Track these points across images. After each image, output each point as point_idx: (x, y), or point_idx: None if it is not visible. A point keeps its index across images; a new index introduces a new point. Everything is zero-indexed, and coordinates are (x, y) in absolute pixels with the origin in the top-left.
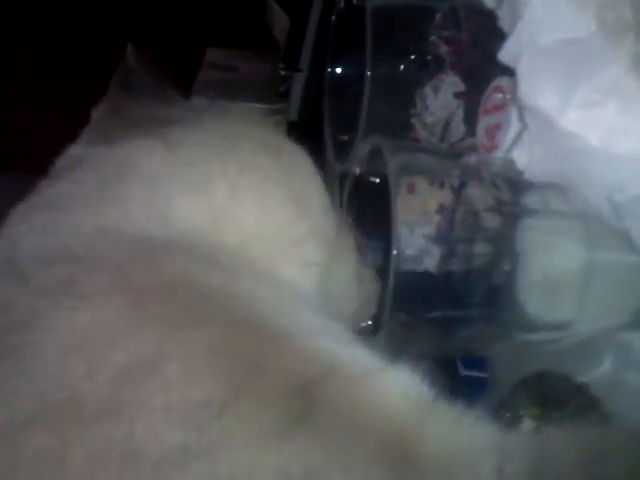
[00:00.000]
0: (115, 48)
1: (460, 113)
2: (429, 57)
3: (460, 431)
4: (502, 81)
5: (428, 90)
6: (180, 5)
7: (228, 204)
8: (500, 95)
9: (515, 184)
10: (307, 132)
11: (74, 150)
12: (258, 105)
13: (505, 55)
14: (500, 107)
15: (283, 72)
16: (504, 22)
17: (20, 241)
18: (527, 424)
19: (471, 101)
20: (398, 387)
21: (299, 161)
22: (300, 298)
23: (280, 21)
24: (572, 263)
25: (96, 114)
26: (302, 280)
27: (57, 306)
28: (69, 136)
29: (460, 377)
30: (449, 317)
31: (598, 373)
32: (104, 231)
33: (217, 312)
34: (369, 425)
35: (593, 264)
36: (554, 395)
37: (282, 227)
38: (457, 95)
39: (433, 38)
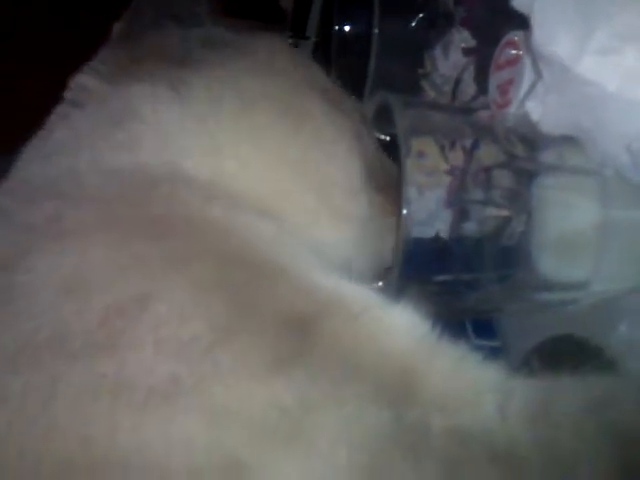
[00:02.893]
0: None
1: (470, 71)
2: (438, 13)
3: (464, 370)
4: (515, 35)
5: (438, 51)
6: None
7: (237, 170)
8: (513, 50)
9: (529, 140)
10: None
11: (84, 80)
12: None
13: (518, 2)
14: (513, 62)
15: (291, 40)
16: None
17: (10, 185)
18: None
19: (482, 58)
20: (401, 323)
21: (326, 132)
22: (307, 242)
23: None
24: (588, 221)
25: (117, 29)
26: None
27: (42, 247)
28: None
29: (472, 346)
30: (461, 280)
31: (614, 336)
32: (97, 170)
33: (210, 247)
34: (368, 361)
35: (610, 222)
36: (569, 359)
37: (296, 195)
38: (467, 51)
39: None
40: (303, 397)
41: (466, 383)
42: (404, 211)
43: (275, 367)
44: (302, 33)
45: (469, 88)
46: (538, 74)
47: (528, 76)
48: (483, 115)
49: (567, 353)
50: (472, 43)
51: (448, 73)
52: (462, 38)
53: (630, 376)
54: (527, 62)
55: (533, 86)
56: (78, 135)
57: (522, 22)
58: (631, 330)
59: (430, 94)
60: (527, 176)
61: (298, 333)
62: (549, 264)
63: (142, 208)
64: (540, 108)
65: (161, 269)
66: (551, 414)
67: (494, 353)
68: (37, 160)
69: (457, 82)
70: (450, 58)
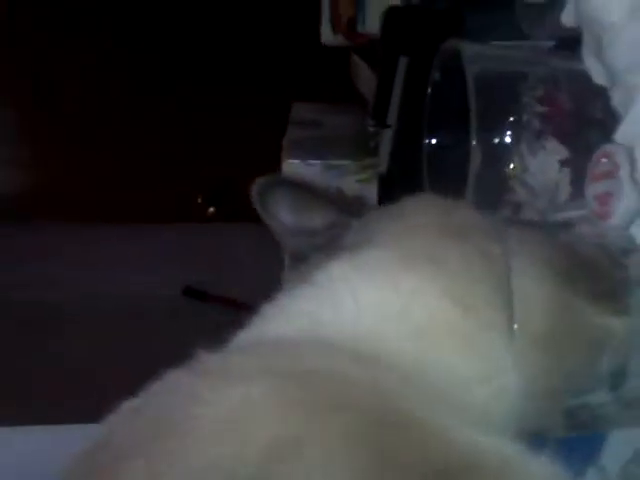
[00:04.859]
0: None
1: (566, 177)
2: (526, 118)
3: None
4: (608, 147)
5: (523, 149)
6: (264, 61)
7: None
8: (608, 161)
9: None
10: (398, 186)
11: None
12: (348, 161)
13: (621, 137)
14: (609, 174)
15: (372, 128)
16: (617, 103)
17: None
18: None
19: (577, 166)
20: (543, 476)
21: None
22: (446, 400)
23: (364, 74)
24: None
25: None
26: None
27: (212, 386)
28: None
29: None
30: None
31: None
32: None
33: (353, 400)
34: None
35: None
36: None
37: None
38: (562, 163)
39: (528, 100)
40: None
41: None
42: None
43: None
44: (383, 121)
45: (565, 191)
46: None
47: (631, 196)
48: (582, 228)
49: None
50: (565, 154)
51: (538, 173)
52: (554, 149)
53: None
54: (625, 175)
55: (637, 213)
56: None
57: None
58: None
59: (521, 194)
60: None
61: None
62: None
63: (294, 361)
64: None
65: (312, 414)
66: None
67: None
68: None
69: (554, 190)
70: (540, 159)
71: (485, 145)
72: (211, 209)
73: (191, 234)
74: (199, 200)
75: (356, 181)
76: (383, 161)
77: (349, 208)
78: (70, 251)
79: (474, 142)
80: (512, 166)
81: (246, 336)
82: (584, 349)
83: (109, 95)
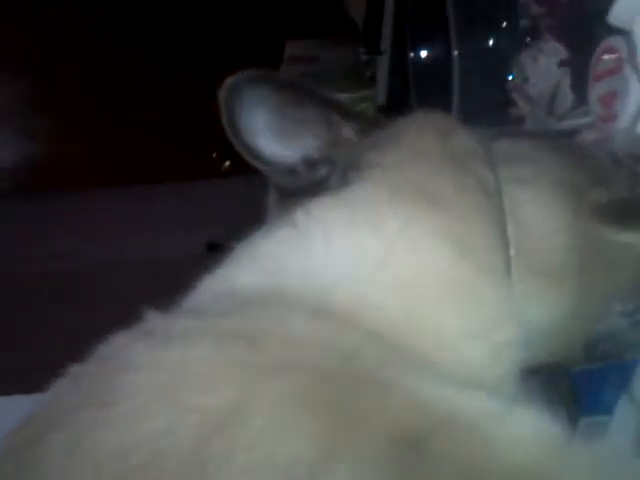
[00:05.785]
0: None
1: (566, 81)
2: (522, 22)
3: (604, 477)
4: (613, 40)
5: (525, 59)
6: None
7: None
8: (613, 56)
9: None
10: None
11: None
12: (344, 95)
13: (615, 16)
14: (614, 70)
15: (365, 56)
16: None
17: None
18: None
19: (578, 67)
20: (524, 432)
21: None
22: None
23: (355, 1)
24: None
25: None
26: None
27: (149, 350)
28: None
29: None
30: None
31: None
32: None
33: (307, 361)
34: (490, 477)
35: None
36: None
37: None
38: (561, 63)
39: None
40: None
41: None
42: None
43: None
44: (376, 48)
45: (566, 99)
46: None
47: (635, 89)
48: (587, 137)
49: None
50: (565, 54)
51: (540, 83)
52: (553, 50)
53: None
54: (631, 71)
55: None
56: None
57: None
58: None
59: (524, 108)
60: None
61: (408, 452)
62: None
63: (240, 320)
64: None
65: (257, 379)
66: None
67: (605, 429)
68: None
69: (553, 97)
70: (540, 66)
71: (468, 55)
72: (227, 163)
73: (209, 190)
74: (214, 155)
75: None
76: (380, 91)
77: (348, 118)
78: (85, 219)
79: (455, 52)
80: (511, 78)
81: (208, 284)
82: (601, 275)
83: (120, 55)
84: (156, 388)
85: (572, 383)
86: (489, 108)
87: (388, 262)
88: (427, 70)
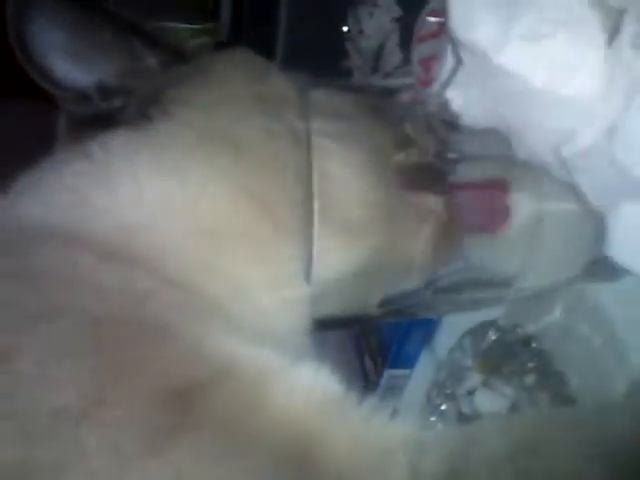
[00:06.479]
0: None
1: (395, 38)
2: None
3: (371, 430)
4: (437, 3)
5: (362, 12)
6: None
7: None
8: (436, 20)
9: (453, 127)
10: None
11: None
12: (182, 26)
13: None
14: (436, 34)
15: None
16: None
17: None
18: (475, 378)
19: (407, 26)
20: (301, 386)
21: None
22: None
23: None
24: (517, 215)
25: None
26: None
27: None
28: None
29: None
30: None
31: (548, 322)
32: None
33: (85, 305)
34: (261, 432)
35: (540, 216)
36: (500, 347)
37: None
38: (393, 21)
39: None
40: None
41: (373, 445)
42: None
43: (150, 446)
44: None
45: (394, 57)
46: (459, 59)
47: (450, 55)
48: (405, 97)
49: (498, 340)
50: (397, 12)
51: (373, 37)
52: (387, 6)
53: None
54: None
55: (454, 72)
56: None
57: None
58: (565, 316)
59: (355, 60)
60: (451, 165)
61: (183, 404)
62: (478, 260)
63: (24, 260)
64: (461, 99)
65: (30, 322)
66: (470, 466)
67: (406, 382)
68: None
69: (380, 49)
70: (375, 21)
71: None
72: None
73: None
74: None
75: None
76: (223, 26)
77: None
78: None
79: None
80: (346, 29)
81: None
82: (402, 235)
83: None
84: None
85: (380, 337)
86: (318, 56)
87: (190, 212)
88: (259, 9)
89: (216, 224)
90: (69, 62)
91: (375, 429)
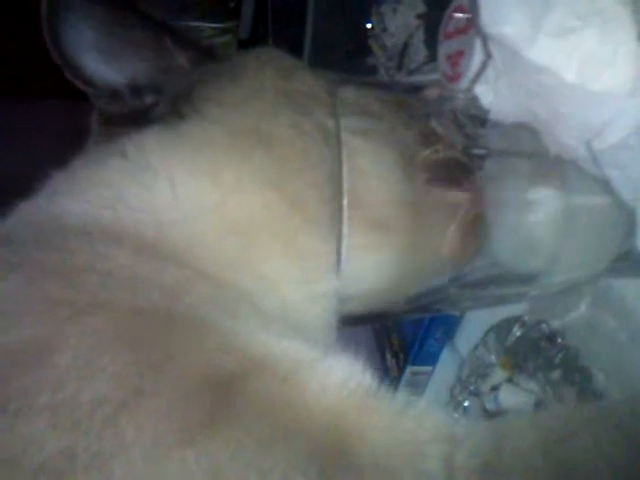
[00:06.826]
0: None
1: (420, 35)
2: None
3: (403, 421)
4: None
5: (386, 8)
6: None
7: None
8: (463, 16)
9: (481, 122)
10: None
11: None
12: (205, 25)
13: None
14: (463, 30)
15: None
16: None
17: None
18: (499, 374)
19: (432, 22)
20: (334, 379)
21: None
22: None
23: None
24: (547, 209)
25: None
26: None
27: None
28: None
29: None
30: None
31: (574, 317)
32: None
33: (124, 298)
34: (297, 424)
35: (570, 211)
36: (526, 343)
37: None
38: (418, 17)
39: None
40: (217, 472)
41: (406, 436)
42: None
43: (188, 436)
44: None
45: (419, 53)
46: (488, 54)
47: (479, 50)
48: (431, 92)
49: (523, 336)
50: (422, 8)
51: (397, 34)
52: (412, 3)
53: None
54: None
55: (484, 67)
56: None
57: None
58: (592, 311)
59: (380, 57)
60: (479, 161)
61: (219, 395)
62: (505, 255)
63: (64, 256)
64: (491, 94)
65: (70, 315)
66: (502, 459)
67: (428, 379)
68: None
69: (405, 47)
70: (398, 18)
71: None
72: None
73: None
74: None
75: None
76: (244, 25)
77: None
78: None
79: None
80: (370, 26)
81: (24, 211)
82: (429, 232)
83: None
84: None
85: (402, 334)
86: (343, 53)
87: (223, 209)
88: (286, 8)
89: (247, 220)
90: (101, 60)
91: (409, 421)
